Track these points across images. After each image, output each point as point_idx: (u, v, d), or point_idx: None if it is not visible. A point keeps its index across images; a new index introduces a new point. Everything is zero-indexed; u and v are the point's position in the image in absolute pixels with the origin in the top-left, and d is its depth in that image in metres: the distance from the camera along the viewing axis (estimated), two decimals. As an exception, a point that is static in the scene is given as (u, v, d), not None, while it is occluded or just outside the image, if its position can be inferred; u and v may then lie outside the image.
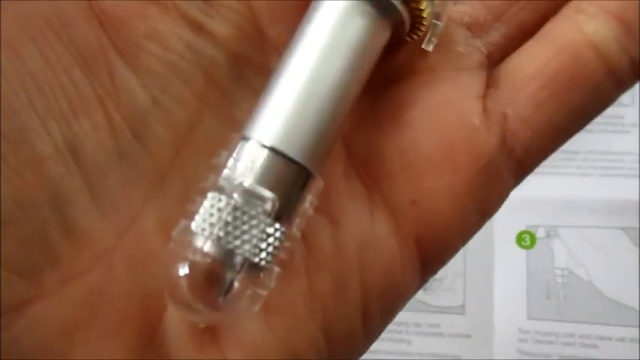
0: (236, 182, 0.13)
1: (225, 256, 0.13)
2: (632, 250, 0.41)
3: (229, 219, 0.13)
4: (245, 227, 0.13)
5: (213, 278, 0.13)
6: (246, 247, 0.13)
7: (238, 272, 0.13)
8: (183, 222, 0.13)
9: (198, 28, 0.14)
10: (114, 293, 0.13)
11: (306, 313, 0.14)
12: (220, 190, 0.13)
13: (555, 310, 0.40)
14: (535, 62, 0.15)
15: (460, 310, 0.41)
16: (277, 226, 0.13)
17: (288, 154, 0.13)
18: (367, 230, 0.15)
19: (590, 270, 0.41)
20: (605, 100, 0.16)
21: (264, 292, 0.13)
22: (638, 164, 0.43)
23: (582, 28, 0.15)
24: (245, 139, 0.13)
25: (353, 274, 0.15)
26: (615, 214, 0.42)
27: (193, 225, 0.13)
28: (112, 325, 0.13)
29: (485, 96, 0.16)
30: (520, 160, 0.16)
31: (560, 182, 0.43)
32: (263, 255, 0.13)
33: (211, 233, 0.13)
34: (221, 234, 0.13)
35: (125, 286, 0.13)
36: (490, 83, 0.16)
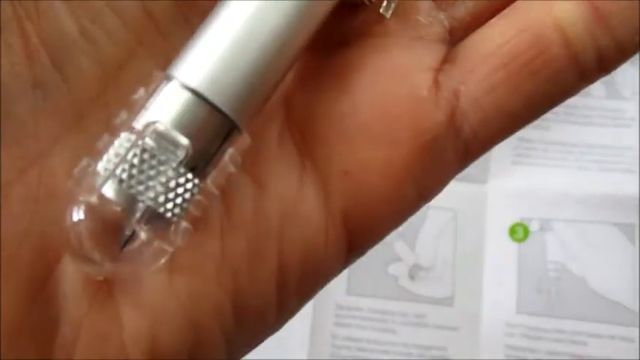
0: (149, 123, 0.12)
1: (126, 202, 0.12)
2: (626, 246, 0.40)
3: (135, 161, 0.12)
4: (152, 172, 0.12)
5: (113, 226, 0.12)
6: (151, 194, 0.12)
7: (139, 222, 0.12)
8: (85, 160, 0.12)
9: None
10: (6, 231, 0.12)
11: (214, 278, 0.13)
12: (131, 130, 0.12)
13: (545, 305, 0.40)
14: (494, 40, 0.14)
15: (448, 301, 0.40)
16: (189, 176, 0.12)
17: (212, 100, 0.12)
18: (293, 197, 0.14)
19: (583, 266, 0.41)
20: (564, 91, 0.15)
21: (169, 248, 0.12)
22: (638, 159, 0.42)
23: (550, 9, 0.14)
24: (168, 78, 0.12)
25: (271, 241, 0.14)
26: (612, 209, 0.41)
27: (98, 165, 0.12)
28: None
29: (439, 70, 0.15)
30: (467, 142, 0.15)
31: (556, 175, 0.42)
32: (169, 206, 0.12)
33: (113, 174, 0.12)
34: (124, 176, 0.12)
35: (18, 227, 0.12)
36: (447, 59, 0.15)
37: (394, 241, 0.41)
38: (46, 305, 0.12)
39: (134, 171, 0.12)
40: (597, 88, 0.43)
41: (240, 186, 0.14)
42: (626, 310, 0.39)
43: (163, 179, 0.12)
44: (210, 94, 0.12)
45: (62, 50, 0.13)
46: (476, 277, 0.40)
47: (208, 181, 0.12)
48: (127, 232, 0.12)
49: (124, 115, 0.12)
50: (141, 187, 0.12)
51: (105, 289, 0.13)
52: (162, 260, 0.12)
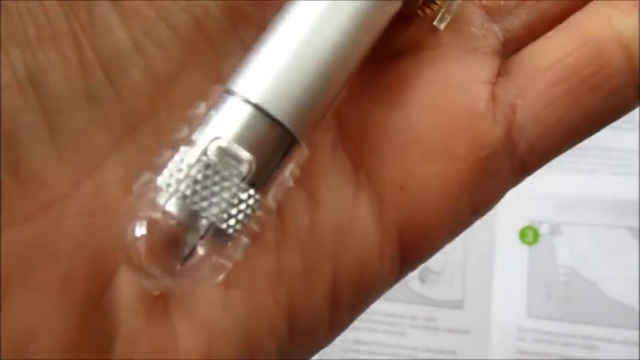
0: (212, 138, 0.12)
1: (189, 218, 0.12)
2: (637, 250, 0.40)
3: (199, 177, 0.12)
4: (215, 189, 0.12)
5: (174, 241, 0.12)
6: (214, 210, 0.12)
7: (202, 237, 0.12)
8: (147, 175, 0.12)
9: None
10: (61, 246, 0.12)
11: (270, 293, 0.13)
12: (193, 144, 0.12)
13: (556, 310, 0.40)
14: (553, 53, 0.14)
15: (458, 304, 0.40)
16: (251, 192, 0.12)
17: (273, 114, 0.12)
18: (348, 211, 0.14)
19: (594, 270, 0.40)
20: (625, 104, 0.15)
21: (228, 264, 0.12)
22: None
23: (611, 23, 0.14)
24: (228, 92, 0.12)
25: (326, 257, 0.14)
26: (622, 213, 0.41)
27: (159, 179, 0.12)
28: (55, 281, 0.12)
29: (495, 83, 0.14)
30: (524, 157, 0.15)
31: (567, 178, 0.42)
32: (232, 222, 0.12)
33: (177, 190, 0.12)
34: (188, 192, 0.12)
35: (74, 240, 0.12)
36: (502, 71, 0.15)
37: (404, 244, 0.41)
38: (102, 320, 0.12)
39: (198, 187, 0.12)
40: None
41: (295, 200, 0.14)
42: (638, 314, 0.39)
43: (227, 195, 0.12)
44: (272, 108, 0.12)
45: (115, 62, 0.13)
46: (486, 281, 0.40)
47: (269, 196, 0.12)
48: (188, 248, 0.12)
49: (185, 129, 0.12)
50: (204, 204, 0.12)
51: (161, 304, 0.13)
52: (221, 276, 0.12)
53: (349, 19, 0.13)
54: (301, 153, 0.13)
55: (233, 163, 0.12)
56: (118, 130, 0.13)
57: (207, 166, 0.12)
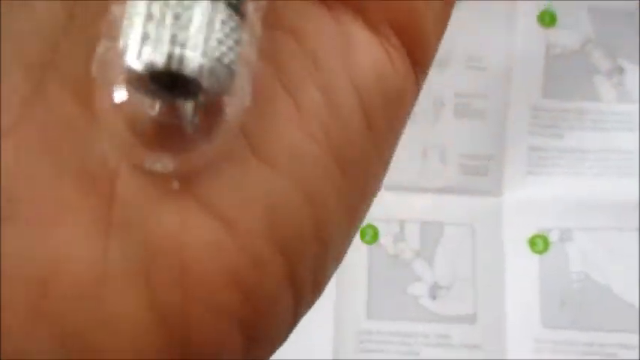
0: None
1: (178, 65, 0.10)
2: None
3: (168, 17, 0.10)
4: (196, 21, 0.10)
5: (169, 103, 0.11)
6: (201, 47, 0.10)
7: (198, 88, 0.10)
8: (103, 43, 0.11)
9: None
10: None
11: (305, 139, 0.12)
12: None
13: (572, 318, 0.39)
14: None
15: (471, 319, 0.39)
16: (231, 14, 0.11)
17: None
18: (337, 32, 0.13)
19: (607, 274, 0.40)
20: None
21: (240, 109, 0.11)
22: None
23: None
24: None
25: (341, 79, 0.12)
26: (632, 215, 0.40)
27: (131, 36, 0.10)
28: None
29: None
30: None
31: (572, 183, 0.41)
32: (224, 50, 0.10)
33: (157, 39, 0.10)
34: (165, 37, 0.10)
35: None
36: None
37: (412, 261, 0.40)
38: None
39: (174, 29, 0.10)
40: (607, 91, 0.43)
41: (283, 42, 0.12)
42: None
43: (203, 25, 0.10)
44: None
45: None
46: (498, 293, 0.40)
47: (250, 19, 0.11)
48: (188, 108, 0.10)
49: None
50: (191, 42, 0.10)
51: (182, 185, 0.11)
52: (237, 127, 0.11)
53: None
54: None
55: None
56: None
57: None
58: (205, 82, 0.10)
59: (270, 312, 0.12)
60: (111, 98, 0.11)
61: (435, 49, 0.14)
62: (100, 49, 0.11)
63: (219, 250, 0.11)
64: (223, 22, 0.11)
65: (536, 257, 0.40)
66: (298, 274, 0.12)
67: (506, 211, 0.40)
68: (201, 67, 0.10)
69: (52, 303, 0.11)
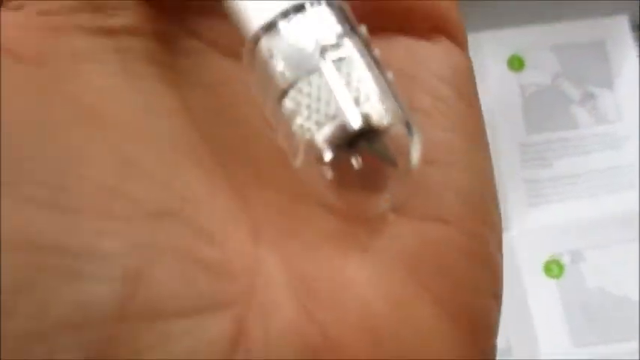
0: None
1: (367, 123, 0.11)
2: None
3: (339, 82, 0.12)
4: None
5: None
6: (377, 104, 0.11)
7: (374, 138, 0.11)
8: (299, 145, 0.12)
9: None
10: None
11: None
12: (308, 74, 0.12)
13: (600, 333, 0.40)
14: None
15: (506, 353, 0.40)
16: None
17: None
18: (406, 50, 0.15)
19: (623, 285, 0.41)
20: None
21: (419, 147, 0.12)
22: (638, 174, 0.43)
23: None
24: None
25: (435, 84, 0.14)
26: (632, 225, 0.42)
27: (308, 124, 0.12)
28: None
29: None
30: None
31: (572, 206, 0.43)
32: (391, 90, 0.12)
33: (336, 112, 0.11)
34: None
35: None
36: None
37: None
38: None
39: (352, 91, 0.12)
40: (584, 117, 0.45)
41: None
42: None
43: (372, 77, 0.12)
44: None
45: None
46: (526, 323, 0.41)
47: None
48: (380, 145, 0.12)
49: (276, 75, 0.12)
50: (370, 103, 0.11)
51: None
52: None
53: None
54: None
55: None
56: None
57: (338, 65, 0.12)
58: (392, 127, 0.12)
59: None
60: (320, 174, 0.12)
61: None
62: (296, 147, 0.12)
63: None
64: (377, 69, 0.12)
65: (553, 282, 0.42)
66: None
67: (516, 245, 0.42)
68: (386, 113, 0.12)
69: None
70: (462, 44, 0.15)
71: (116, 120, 0.13)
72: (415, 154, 0.12)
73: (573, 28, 0.46)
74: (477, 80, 0.15)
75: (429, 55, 0.15)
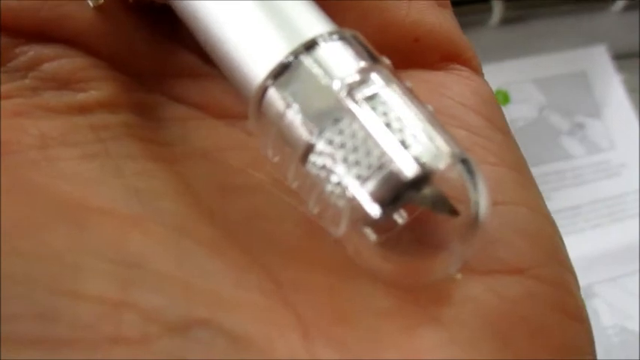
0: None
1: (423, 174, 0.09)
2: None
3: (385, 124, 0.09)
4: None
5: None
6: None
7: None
8: (331, 213, 0.10)
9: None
10: None
11: None
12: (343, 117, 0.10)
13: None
14: None
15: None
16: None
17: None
18: (429, 82, 0.13)
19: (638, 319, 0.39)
20: None
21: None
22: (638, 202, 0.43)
23: None
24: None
25: (463, 110, 0.13)
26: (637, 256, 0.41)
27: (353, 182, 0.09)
28: None
29: None
30: None
31: (575, 240, 0.42)
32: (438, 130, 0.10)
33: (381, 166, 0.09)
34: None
35: None
36: None
37: None
38: None
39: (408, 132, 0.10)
40: (576, 148, 0.45)
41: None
42: None
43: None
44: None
45: None
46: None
47: None
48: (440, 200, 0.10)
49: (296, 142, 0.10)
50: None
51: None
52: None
53: None
54: None
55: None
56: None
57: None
58: (449, 170, 0.10)
59: None
60: (368, 240, 0.10)
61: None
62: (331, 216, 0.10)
63: None
64: (414, 102, 0.10)
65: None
66: None
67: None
68: (440, 154, 0.10)
69: None
70: (477, 69, 0.14)
71: (103, 212, 0.10)
72: (482, 198, 0.10)
73: (554, 60, 0.47)
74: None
75: (448, 85, 0.13)
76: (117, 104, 0.12)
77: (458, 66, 0.14)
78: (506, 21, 0.45)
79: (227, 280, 0.10)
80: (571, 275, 0.12)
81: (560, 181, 0.44)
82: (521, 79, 0.46)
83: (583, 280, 0.46)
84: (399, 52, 0.13)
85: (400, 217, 0.10)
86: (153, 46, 0.13)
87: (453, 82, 0.13)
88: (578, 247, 0.41)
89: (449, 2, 0.14)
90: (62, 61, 0.12)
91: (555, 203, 0.43)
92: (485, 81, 0.14)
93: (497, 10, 0.45)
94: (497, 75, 0.45)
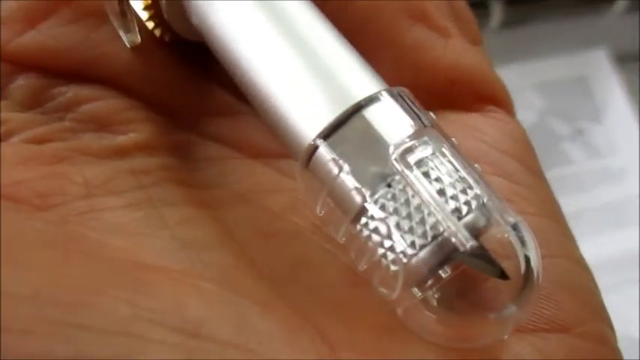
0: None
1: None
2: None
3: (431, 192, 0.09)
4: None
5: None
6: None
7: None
8: (378, 274, 0.10)
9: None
10: None
11: None
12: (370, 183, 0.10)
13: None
14: None
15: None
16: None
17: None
18: (464, 126, 0.13)
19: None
20: None
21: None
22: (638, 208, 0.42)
23: None
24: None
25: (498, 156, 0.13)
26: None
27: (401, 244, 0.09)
28: None
29: None
30: None
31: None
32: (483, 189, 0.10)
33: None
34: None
35: None
36: None
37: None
38: None
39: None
40: (576, 153, 0.45)
41: None
42: None
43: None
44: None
45: None
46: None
47: None
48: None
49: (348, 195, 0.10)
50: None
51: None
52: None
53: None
54: None
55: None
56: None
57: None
58: (499, 233, 0.10)
59: None
60: (420, 304, 0.10)
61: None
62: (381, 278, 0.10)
63: None
64: (464, 164, 0.10)
65: (568, 330, 0.40)
66: None
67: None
68: (492, 218, 0.10)
69: None
70: (511, 110, 0.14)
71: (157, 270, 0.10)
72: (534, 260, 0.10)
73: (554, 64, 0.46)
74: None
75: (483, 128, 0.13)
76: (155, 146, 0.12)
77: (493, 107, 0.14)
78: (505, 24, 0.45)
79: (284, 345, 0.10)
80: (611, 330, 0.12)
81: (560, 187, 0.43)
82: (522, 83, 0.46)
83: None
84: (434, 93, 0.13)
85: (449, 272, 0.10)
86: (188, 85, 0.13)
87: (488, 126, 0.13)
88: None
89: (481, 38, 0.14)
90: (100, 103, 0.12)
91: (556, 209, 0.43)
92: (518, 122, 0.14)
93: (497, 13, 0.45)
94: (497, 80, 0.45)
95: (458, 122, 0.13)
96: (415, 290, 0.10)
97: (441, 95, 0.13)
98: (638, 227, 0.41)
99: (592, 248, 0.41)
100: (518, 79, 0.46)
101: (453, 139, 0.11)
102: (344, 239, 0.10)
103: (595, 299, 0.12)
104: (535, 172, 0.13)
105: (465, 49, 0.14)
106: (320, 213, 0.10)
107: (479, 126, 0.13)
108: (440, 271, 0.10)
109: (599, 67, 0.46)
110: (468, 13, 0.14)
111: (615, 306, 0.42)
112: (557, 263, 0.12)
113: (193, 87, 0.13)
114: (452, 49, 0.13)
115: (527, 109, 0.45)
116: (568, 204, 0.45)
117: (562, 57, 0.46)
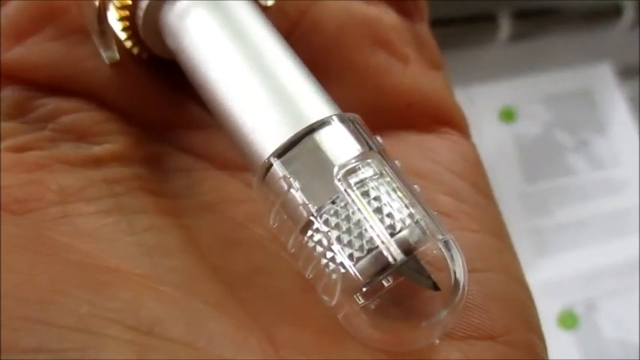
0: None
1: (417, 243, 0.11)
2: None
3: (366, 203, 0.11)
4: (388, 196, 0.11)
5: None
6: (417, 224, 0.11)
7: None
8: (329, 276, 0.11)
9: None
10: None
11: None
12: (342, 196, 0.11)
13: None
14: None
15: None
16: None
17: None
18: (417, 147, 0.14)
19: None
20: None
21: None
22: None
23: None
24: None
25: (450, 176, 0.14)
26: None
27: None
28: None
29: None
30: None
31: (579, 254, 0.42)
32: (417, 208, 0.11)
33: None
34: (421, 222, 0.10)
35: None
36: None
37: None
38: None
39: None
40: (580, 164, 0.45)
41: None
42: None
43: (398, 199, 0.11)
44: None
45: None
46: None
47: None
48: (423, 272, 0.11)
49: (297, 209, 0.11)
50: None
51: None
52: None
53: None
54: None
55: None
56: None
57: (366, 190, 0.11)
58: (430, 249, 0.11)
59: None
60: (359, 310, 0.11)
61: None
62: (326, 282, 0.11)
63: None
64: (403, 185, 0.11)
65: (569, 333, 0.40)
66: None
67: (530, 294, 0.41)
68: (423, 235, 0.11)
69: None
70: (465, 132, 0.15)
71: (119, 272, 0.11)
72: (460, 273, 0.11)
73: (559, 78, 0.47)
74: (473, 134, 0.15)
75: (437, 149, 0.14)
76: (128, 157, 0.13)
77: (448, 130, 0.15)
78: (513, 38, 0.46)
79: (231, 345, 0.11)
80: (539, 339, 0.13)
81: (564, 197, 0.45)
82: (528, 96, 0.46)
83: (585, 294, 0.46)
84: (392, 115, 0.14)
85: (386, 282, 0.11)
86: (162, 99, 0.14)
87: (442, 147, 0.14)
88: (580, 261, 0.42)
89: (442, 64, 0.15)
90: (79, 115, 0.13)
91: (559, 218, 0.44)
92: (472, 144, 0.15)
93: (505, 27, 0.46)
94: (504, 92, 0.46)
95: (414, 143, 0.14)
96: (359, 297, 0.11)
97: (399, 117, 0.14)
98: (638, 236, 0.42)
99: (594, 256, 0.42)
100: (525, 92, 0.46)
101: (397, 161, 0.12)
102: (293, 250, 0.12)
103: (527, 311, 0.13)
104: (483, 192, 0.14)
105: (423, 74, 0.14)
106: (274, 224, 0.12)
107: (433, 147, 0.14)
108: (379, 281, 0.11)
109: (604, 81, 0.47)
110: (430, 40, 0.15)
111: (616, 312, 0.43)
112: (492, 277, 0.13)
113: (167, 101, 0.14)
114: (411, 74, 0.14)
115: (533, 120, 0.46)
116: (571, 213, 0.46)
117: (567, 70, 0.47)
